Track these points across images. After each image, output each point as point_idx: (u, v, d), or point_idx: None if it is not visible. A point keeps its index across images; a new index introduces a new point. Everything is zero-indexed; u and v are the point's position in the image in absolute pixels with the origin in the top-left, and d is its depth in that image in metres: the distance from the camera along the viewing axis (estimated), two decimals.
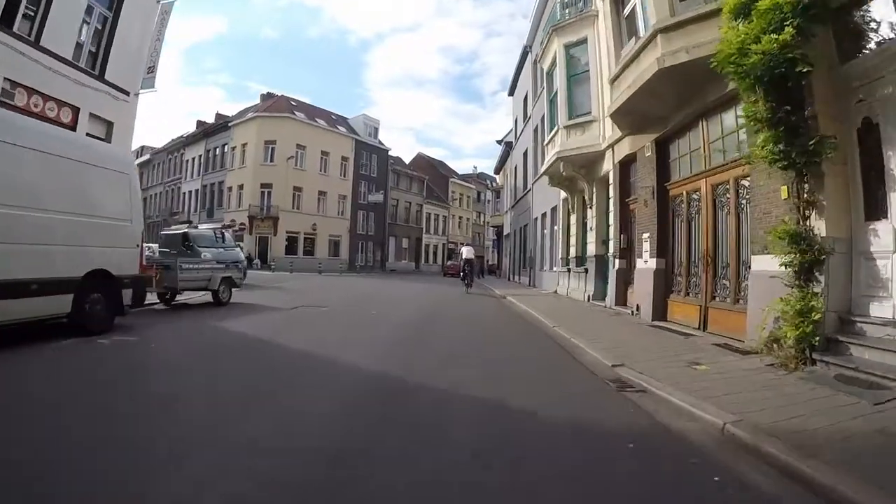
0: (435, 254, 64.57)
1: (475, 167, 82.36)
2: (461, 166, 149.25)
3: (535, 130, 24.13)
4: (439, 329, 9.22)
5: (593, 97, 13.97)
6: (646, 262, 10.43)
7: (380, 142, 53.58)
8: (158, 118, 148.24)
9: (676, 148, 10.17)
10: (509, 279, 33.04)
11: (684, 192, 9.68)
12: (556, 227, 19.21)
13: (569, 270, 16.29)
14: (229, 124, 45.34)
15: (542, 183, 21.71)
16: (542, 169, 16.43)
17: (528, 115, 26.36)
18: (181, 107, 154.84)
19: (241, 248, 38.90)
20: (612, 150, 12.71)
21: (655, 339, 7.97)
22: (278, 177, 40.74)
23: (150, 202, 60.70)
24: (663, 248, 10.10)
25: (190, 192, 50.85)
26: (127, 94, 15.11)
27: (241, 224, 40.20)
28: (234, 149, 43.92)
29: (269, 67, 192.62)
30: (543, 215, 21.62)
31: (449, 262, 47.25)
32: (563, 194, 17.56)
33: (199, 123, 54.83)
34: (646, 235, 10.49)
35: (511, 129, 36.19)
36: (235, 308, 11.12)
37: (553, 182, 16.33)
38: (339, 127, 48.42)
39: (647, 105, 9.93)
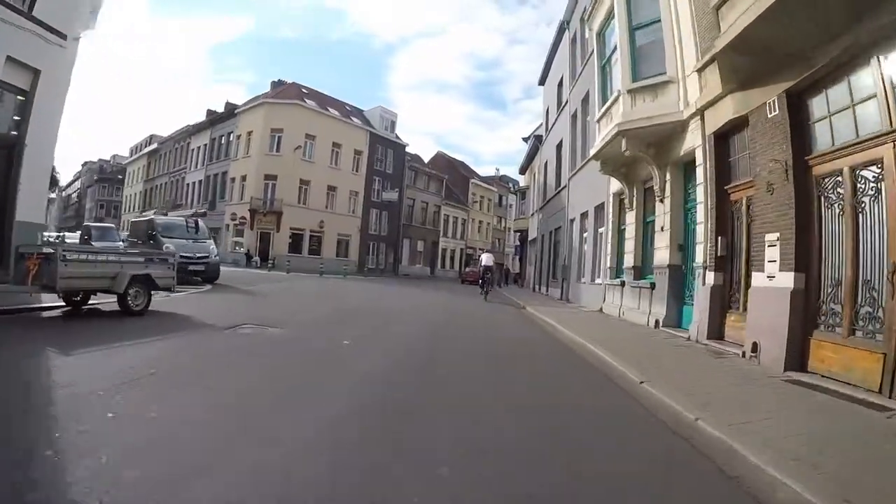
0: (452, 259, 61.10)
1: (497, 169, 78.62)
2: (480, 172, 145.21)
3: (574, 116, 20.62)
4: (443, 382, 5.53)
5: (668, 53, 10.41)
6: (771, 278, 6.81)
7: (397, 136, 50.32)
8: (179, 115, 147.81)
9: (824, 101, 6.55)
10: (534, 290, 29.36)
11: (845, 169, 6.06)
12: (601, 230, 15.61)
13: (622, 284, 12.63)
14: (235, 112, 42.47)
15: (582, 177, 18.18)
16: (594, 150, 12.83)
17: (564, 102, 22.86)
18: (203, 104, 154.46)
19: (238, 244, 37.01)
20: (702, 117, 9.11)
21: (847, 422, 4.36)
22: (284, 168, 37.68)
23: (156, 192, 58.49)
24: (803, 257, 6.48)
25: (194, 182, 48.21)
26: (63, 37, 11.91)
27: (242, 218, 37.15)
28: (239, 137, 41.07)
29: (293, 67, 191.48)
30: (583, 215, 18.00)
31: (468, 269, 43.80)
32: (613, 187, 13.99)
33: (209, 112, 52.26)
34: (772, 237, 6.86)
35: (541, 123, 32.76)
36: (144, 323, 7.60)
37: (607, 168, 12.72)
38: (352, 118, 45.27)
39: (783, 32, 6.37)
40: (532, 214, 33.84)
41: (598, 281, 15.43)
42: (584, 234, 17.81)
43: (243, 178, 39.21)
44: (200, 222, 17.09)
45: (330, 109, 42.61)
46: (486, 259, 21.80)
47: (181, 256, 14.74)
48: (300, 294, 15.13)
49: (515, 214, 77.96)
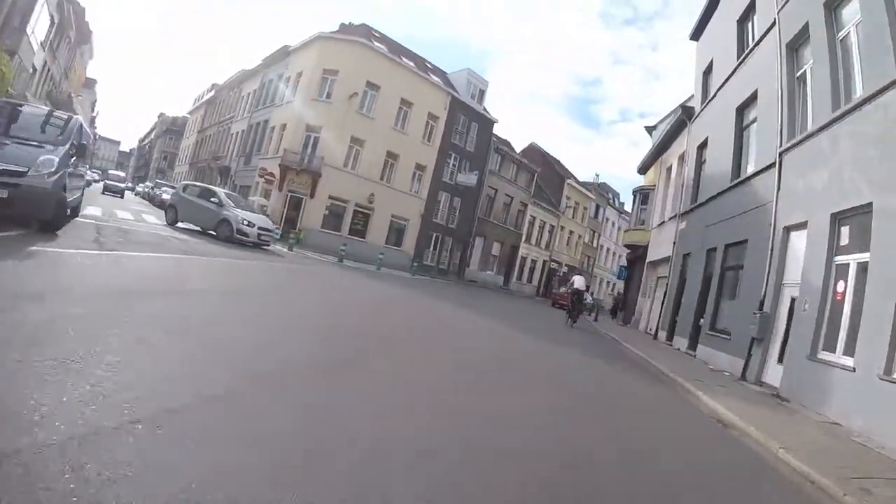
0: (532, 271, 51.92)
1: (597, 175, 68.53)
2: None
3: (795, 45, 11.61)
4: None
5: None
6: None
7: (485, 109, 41.76)
8: None
9: None
10: (656, 336, 20.02)
11: None
12: None
13: None
14: (289, 51, 35.64)
15: (843, 135, 9.11)
16: None
17: (764, 31, 13.83)
18: None
19: (263, 207, 28.72)
20: None
21: None
22: (332, 119, 30.20)
23: (205, 143, 53.75)
24: None
25: (237, 132, 42.32)
26: None
27: (270, 174, 30.00)
28: (288, 80, 34.16)
29: None
30: (842, 219, 8.84)
31: (563, 289, 35.36)
32: None
33: None
34: None
35: (692, 95, 23.45)
36: None
37: None
38: (431, 75, 37.15)
39: None
40: (660, 224, 24.42)
41: None
42: (844, 259, 8.60)
43: (283, 128, 32.16)
44: (79, 122, 9.28)
45: (403, 59, 34.75)
46: (578, 282, 19.99)
47: None
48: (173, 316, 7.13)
49: (613, 229, 68.11)
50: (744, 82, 15.32)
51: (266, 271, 12.28)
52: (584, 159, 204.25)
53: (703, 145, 19.02)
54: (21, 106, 9.41)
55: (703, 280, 15.63)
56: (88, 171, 14.28)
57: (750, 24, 16.00)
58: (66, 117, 9.17)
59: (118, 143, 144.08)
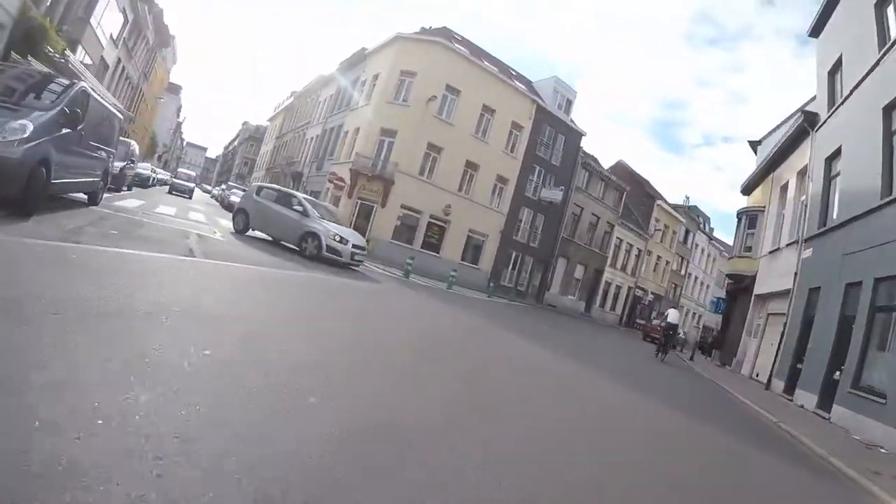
0: (615, 298, 49.08)
1: (687, 197, 64.39)
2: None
3: None
4: None
5: None
6: None
7: (572, 120, 39.81)
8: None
9: None
10: (768, 386, 17.30)
11: None
12: None
13: None
14: (366, 54, 35.32)
15: None
16: None
17: None
18: None
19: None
20: None
21: None
22: (408, 123, 29.35)
23: (282, 149, 55.06)
24: None
25: (312, 138, 42.83)
26: None
27: (340, 179, 29.42)
28: (364, 83, 33.80)
29: None
30: None
31: (655, 321, 33.38)
32: None
33: None
34: None
35: (812, 97, 20.83)
36: None
37: None
38: (516, 82, 35.66)
39: None
40: (772, 251, 21.70)
41: None
42: None
43: (356, 132, 31.70)
44: (81, 89, 8.15)
45: (486, 63, 33.51)
46: (672, 316, 20.38)
47: None
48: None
49: (702, 256, 63.72)
50: (891, 77, 12.94)
51: (282, 285, 9.19)
52: (665, 182, 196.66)
53: (833, 156, 16.49)
54: (46, 73, 8.83)
55: (841, 322, 13.06)
56: (158, 170, 12.98)
57: (891, 8, 13.78)
58: (66, 83, 8.28)
59: (205, 149, 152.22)
